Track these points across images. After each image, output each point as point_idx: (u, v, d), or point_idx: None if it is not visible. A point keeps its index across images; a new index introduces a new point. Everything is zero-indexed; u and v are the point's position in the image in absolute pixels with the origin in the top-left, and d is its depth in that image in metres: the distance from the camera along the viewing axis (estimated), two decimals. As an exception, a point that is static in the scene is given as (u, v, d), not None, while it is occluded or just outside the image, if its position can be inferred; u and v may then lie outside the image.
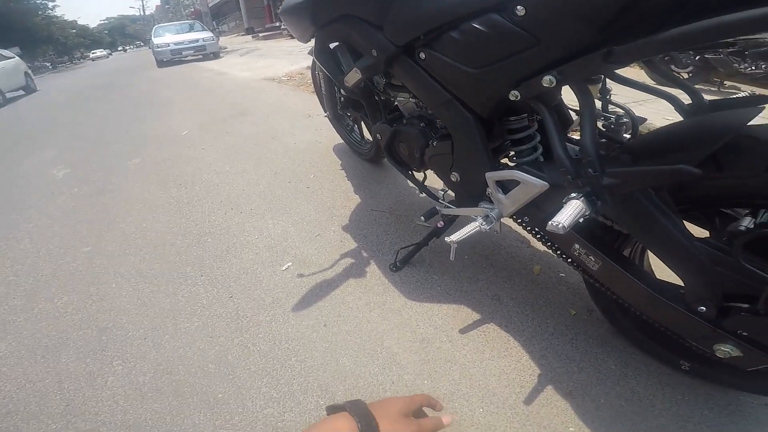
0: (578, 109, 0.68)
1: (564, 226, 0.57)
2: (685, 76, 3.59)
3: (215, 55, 11.15)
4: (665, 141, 0.61)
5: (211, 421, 0.91)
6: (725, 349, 0.66)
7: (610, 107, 0.89)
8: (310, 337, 1.11)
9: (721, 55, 3.23)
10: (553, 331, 1.07)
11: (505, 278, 1.26)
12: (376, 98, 1.22)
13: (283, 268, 1.39)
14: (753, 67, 3.09)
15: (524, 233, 1.34)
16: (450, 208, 1.07)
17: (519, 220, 0.91)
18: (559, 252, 0.87)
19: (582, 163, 0.63)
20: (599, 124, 0.88)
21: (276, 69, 3.81)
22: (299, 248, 1.47)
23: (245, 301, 1.26)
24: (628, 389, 0.91)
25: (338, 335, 1.12)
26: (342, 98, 1.46)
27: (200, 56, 11.17)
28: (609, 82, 0.87)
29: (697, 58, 3.43)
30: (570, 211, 0.60)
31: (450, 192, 1.08)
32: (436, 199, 1.16)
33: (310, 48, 1.34)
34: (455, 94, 0.81)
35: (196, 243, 1.62)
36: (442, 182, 1.08)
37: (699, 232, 0.73)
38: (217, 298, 1.30)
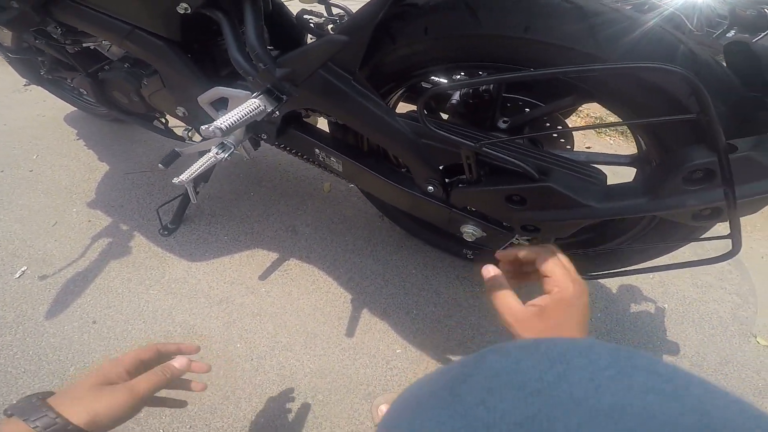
0: None
1: (219, 128, 0.52)
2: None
3: None
4: (352, 25, 0.58)
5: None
6: (469, 231, 0.71)
7: (334, 10, 0.85)
8: (81, 340, 0.92)
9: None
10: (353, 248, 1.09)
11: (298, 206, 1.22)
12: (72, 50, 0.98)
13: (17, 275, 1.05)
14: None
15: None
16: (189, 145, 0.92)
17: (262, 140, 0.84)
18: (305, 158, 0.84)
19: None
20: (329, 27, 0.84)
21: (-34, 48, 2.63)
22: (33, 246, 1.12)
23: (-21, 327, 0.95)
24: (433, 292, 0.98)
25: (114, 328, 0.94)
26: (44, 61, 1.14)
27: None
28: None
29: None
30: (235, 112, 0.55)
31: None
32: (183, 140, 0.99)
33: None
34: (132, 23, 0.72)
35: None
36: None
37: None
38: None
